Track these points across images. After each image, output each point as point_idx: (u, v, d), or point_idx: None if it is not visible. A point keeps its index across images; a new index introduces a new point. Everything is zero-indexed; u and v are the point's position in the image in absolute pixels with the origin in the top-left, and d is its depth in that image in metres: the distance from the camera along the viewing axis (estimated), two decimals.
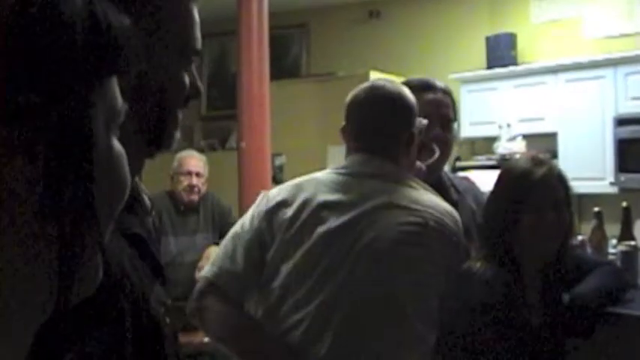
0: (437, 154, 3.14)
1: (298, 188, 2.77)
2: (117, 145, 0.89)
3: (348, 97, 2.88)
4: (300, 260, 2.63)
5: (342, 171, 2.80)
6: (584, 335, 2.91)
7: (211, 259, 2.85)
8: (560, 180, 2.86)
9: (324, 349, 2.52)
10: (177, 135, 1.44)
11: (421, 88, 3.23)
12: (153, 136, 1.39)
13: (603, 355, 3.09)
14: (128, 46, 0.84)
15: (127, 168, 0.91)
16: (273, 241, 2.71)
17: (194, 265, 5.70)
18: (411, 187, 2.74)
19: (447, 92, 3.31)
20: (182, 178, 5.86)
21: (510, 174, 2.93)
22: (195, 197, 5.88)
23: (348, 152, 2.87)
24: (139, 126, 1.18)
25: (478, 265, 2.83)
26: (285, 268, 2.65)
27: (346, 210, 2.65)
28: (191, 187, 5.85)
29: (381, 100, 2.82)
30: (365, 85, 2.89)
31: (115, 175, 0.89)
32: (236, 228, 2.84)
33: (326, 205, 2.67)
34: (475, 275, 2.79)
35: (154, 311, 1.35)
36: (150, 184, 6.48)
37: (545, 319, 2.83)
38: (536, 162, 2.87)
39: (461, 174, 4.48)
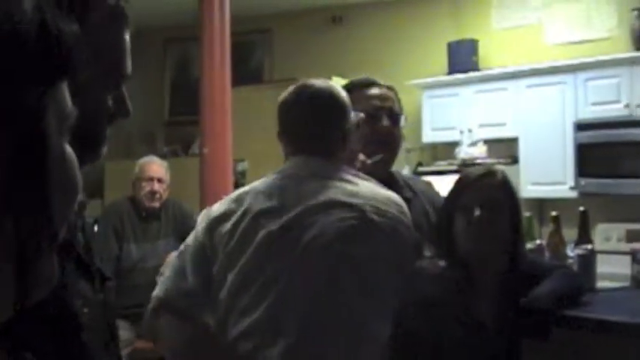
0: (379, 156, 3.17)
1: (237, 200, 2.77)
2: (68, 148, 0.91)
3: (279, 101, 2.90)
4: (243, 269, 2.63)
5: (279, 175, 2.80)
6: (540, 337, 2.94)
7: (161, 279, 2.86)
8: (502, 184, 2.91)
9: (277, 354, 2.51)
10: (104, 150, 1.48)
11: (365, 84, 3.30)
12: (84, 149, 1.42)
13: (559, 358, 3.13)
14: (77, 51, 0.86)
15: (78, 170, 0.93)
16: (215, 255, 2.71)
17: (156, 271, 5.67)
18: (349, 182, 2.74)
19: (390, 88, 3.35)
20: (144, 184, 5.86)
21: (457, 180, 3.02)
22: (156, 203, 5.88)
23: (286, 156, 2.88)
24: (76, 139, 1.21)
25: (428, 262, 2.88)
26: (230, 279, 2.65)
27: (284, 214, 2.65)
28: (152, 193, 5.85)
29: (311, 100, 2.82)
30: (294, 86, 2.89)
31: (68, 176, 0.91)
32: (182, 246, 2.88)
33: (264, 212, 2.67)
34: (425, 271, 2.83)
35: (73, 306, 1.37)
36: (112, 191, 6.45)
37: (500, 321, 2.86)
38: (480, 169, 3.04)
39: (423, 178, 4.52)
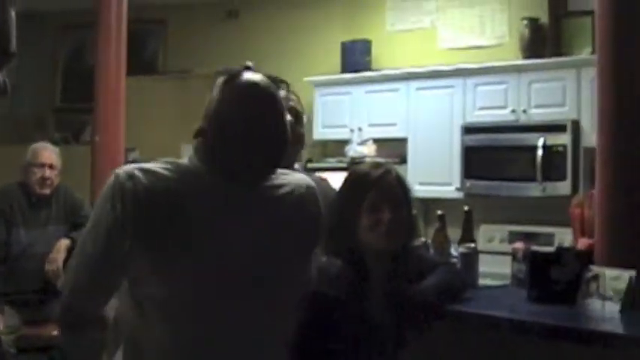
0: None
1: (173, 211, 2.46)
2: None
3: (215, 98, 2.55)
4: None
5: (199, 173, 2.53)
6: (422, 329, 3.04)
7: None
8: (399, 182, 3.00)
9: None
10: None
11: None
12: None
13: (441, 349, 3.24)
14: None
15: None
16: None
17: (44, 258, 5.67)
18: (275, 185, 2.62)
19: (289, 89, 3.32)
20: (35, 169, 5.80)
21: (351, 176, 3.08)
22: (47, 190, 5.82)
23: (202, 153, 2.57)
24: None
25: (324, 260, 2.93)
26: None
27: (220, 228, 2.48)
28: (44, 179, 5.79)
29: (256, 114, 2.56)
30: (238, 85, 2.57)
31: None
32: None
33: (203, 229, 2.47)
34: (322, 271, 2.88)
35: None
36: (3, 176, 6.35)
37: (387, 314, 2.96)
38: (375, 166, 3.05)
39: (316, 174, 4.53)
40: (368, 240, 2.93)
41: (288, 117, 2.69)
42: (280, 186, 2.60)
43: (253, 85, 2.57)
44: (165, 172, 2.45)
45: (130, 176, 2.40)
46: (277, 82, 2.96)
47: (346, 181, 3.08)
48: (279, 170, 2.64)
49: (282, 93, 3.16)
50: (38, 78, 10.21)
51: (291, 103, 3.35)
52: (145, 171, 2.43)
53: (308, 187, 2.68)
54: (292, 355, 2.64)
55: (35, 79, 10.16)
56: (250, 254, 2.48)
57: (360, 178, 3.02)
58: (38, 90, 10.22)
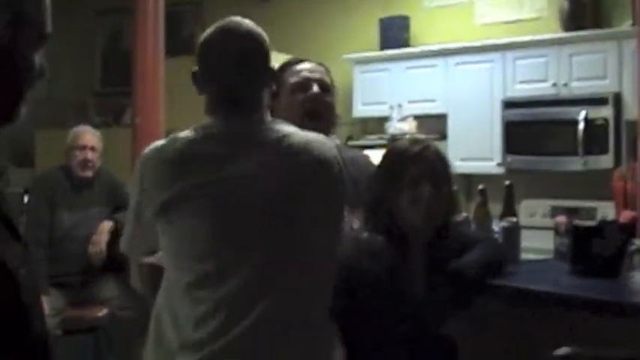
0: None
1: (178, 171, 2.68)
2: None
3: (201, 39, 2.82)
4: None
5: (215, 133, 2.72)
6: (465, 305, 3.04)
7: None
8: (438, 157, 3.00)
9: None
10: (24, 110, 1.51)
11: (296, 62, 3.47)
12: (5, 111, 1.45)
13: (483, 324, 3.22)
14: None
15: None
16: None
17: (87, 240, 5.71)
18: (279, 134, 2.71)
19: (321, 64, 3.49)
20: (77, 152, 5.84)
21: (390, 152, 3.09)
22: (89, 172, 5.87)
23: (210, 104, 2.78)
24: None
25: (365, 235, 2.94)
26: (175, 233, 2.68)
27: (227, 179, 2.62)
28: (85, 162, 5.83)
29: (236, 47, 2.78)
30: (217, 27, 2.83)
31: None
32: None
33: (209, 182, 2.63)
34: (362, 245, 2.89)
35: (9, 264, 1.40)
36: (43, 160, 6.43)
37: (428, 290, 2.96)
38: (414, 141, 3.05)
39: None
40: (408, 216, 2.93)
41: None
42: (288, 135, 2.69)
43: (227, 23, 2.85)
44: (181, 135, 2.71)
45: (152, 146, 2.79)
46: (300, 59, 3.24)
47: (385, 157, 3.09)
48: (294, 129, 2.75)
49: (308, 65, 3.28)
50: (78, 63, 10.27)
51: (317, 75, 3.41)
52: (167, 139, 2.75)
53: (321, 142, 2.74)
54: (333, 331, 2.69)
55: (75, 63, 10.22)
56: (253, 203, 2.58)
57: (399, 154, 3.02)
58: (78, 74, 10.27)
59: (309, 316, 2.63)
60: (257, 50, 2.81)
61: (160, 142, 2.79)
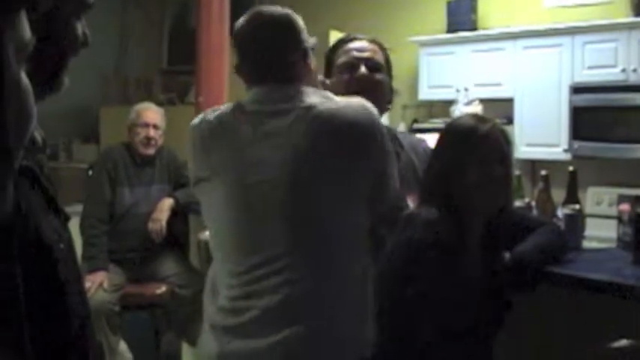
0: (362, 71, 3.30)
1: (217, 146, 2.79)
2: (24, 77, 0.93)
3: (235, 31, 2.92)
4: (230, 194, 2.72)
5: (245, 108, 2.82)
6: (524, 291, 2.98)
7: None
8: (504, 136, 2.95)
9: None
10: (67, 80, 1.49)
11: (347, 40, 3.45)
12: (47, 79, 1.43)
13: (542, 312, 3.17)
14: None
15: (32, 100, 0.95)
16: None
17: (148, 217, 5.74)
18: (315, 102, 2.74)
19: (374, 41, 3.45)
20: (139, 129, 5.87)
21: (456, 129, 3.01)
22: (151, 150, 5.89)
23: (248, 87, 2.90)
24: (36, 69, 1.22)
25: (421, 209, 2.89)
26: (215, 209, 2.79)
27: (259, 157, 2.68)
28: (148, 139, 5.85)
29: (265, 26, 2.86)
30: (246, 15, 2.91)
31: (23, 104, 0.93)
32: None
33: (236, 147, 2.73)
34: (418, 217, 2.85)
35: (45, 237, 1.38)
36: (108, 136, 6.51)
37: (485, 272, 2.91)
38: (480, 119, 2.99)
39: (418, 136, 4.49)
40: (474, 196, 2.87)
41: (312, 40, 2.94)
42: (318, 104, 2.72)
43: (260, 11, 2.91)
44: (218, 110, 2.88)
45: (195, 119, 2.93)
46: (352, 36, 3.44)
47: (449, 134, 3.02)
48: (329, 97, 2.79)
49: (358, 44, 3.26)
50: (145, 40, 10.34)
51: (366, 54, 3.37)
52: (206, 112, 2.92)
53: (354, 109, 2.74)
54: (387, 301, 2.72)
55: (142, 41, 10.29)
56: (280, 178, 2.63)
57: (467, 132, 2.93)
58: (145, 52, 10.34)
59: (334, 285, 2.63)
60: (285, 32, 2.86)
61: (200, 116, 2.92)
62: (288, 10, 2.92)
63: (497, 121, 2.97)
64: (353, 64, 3.32)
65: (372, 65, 3.34)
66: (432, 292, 2.75)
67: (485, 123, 2.93)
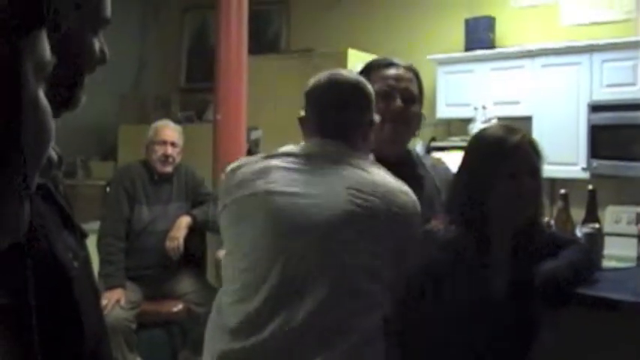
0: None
1: (248, 181, 2.83)
2: (43, 96, 0.93)
3: (308, 86, 2.96)
4: (254, 240, 2.75)
5: (296, 152, 2.87)
6: (554, 308, 2.90)
7: None
8: (533, 147, 2.88)
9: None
10: (84, 98, 1.48)
11: (384, 65, 3.41)
12: (64, 96, 1.43)
13: (559, 332, 3.13)
14: (57, 1, 0.87)
15: (51, 121, 0.94)
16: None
17: (165, 234, 5.75)
18: (363, 169, 2.79)
19: (410, 69, 3.42)
20: (157, 147, 5.88)
21: (484, 141, 2.95)
22: (169, 167, 5.90)
23: (307, 138, 2.95)
24: (51, 85, 1.22)
25: (441, 227, 2.86)
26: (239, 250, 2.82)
27: (295, 194, 2.72)
28: (166, 157, 5.87)
29: (341, 88, 2.90)
30: (324, 74, 2.96)
31: (41, 124, 0.92)
32: None
33: (274, 192, 2.74)
34: (436, 235, 2.82)
35: (60, 255, 1.37)
36: (126, 154, 6.54)
37: (513, 289, 2.82)
38: (509, 130, 2.90)
39: (435, 154, 4.47)
40: (502, 209, 2.81)
41: (377, 117, 3.00)
42: (372, 172, 2.79)
43: (339, 73, 2.98)
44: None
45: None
46: (389, 61, 3.23)
47: (479, 144, 2.96)
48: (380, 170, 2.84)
49: (395, 71, 3.26)
50: (164, 58, 10.38)
51: (403, 84, 3.34)
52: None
53: (403, 193, 2.79)
54: (408, 320, 2.69)
55: (161, 59, 10.33)
56: (305, 224, 2.67)
57: (497, 143, 2.85)
58: (164, 70, 10.39)
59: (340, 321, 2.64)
60: (361, 97, 2.92)
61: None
62: (362, 78, 2.99)
63: None
64: (389, 94, 3.29)
65: (408, 97, 3.32)
66: (452, 312, 2.72)
67: (515, 134, 2.84)
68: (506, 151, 2.81)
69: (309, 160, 2.81)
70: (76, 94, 1.45)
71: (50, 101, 1.05)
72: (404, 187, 2.81)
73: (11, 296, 1.22)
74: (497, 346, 2.78)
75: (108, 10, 1.49)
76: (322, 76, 2.94)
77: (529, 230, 2.89)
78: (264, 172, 2.79)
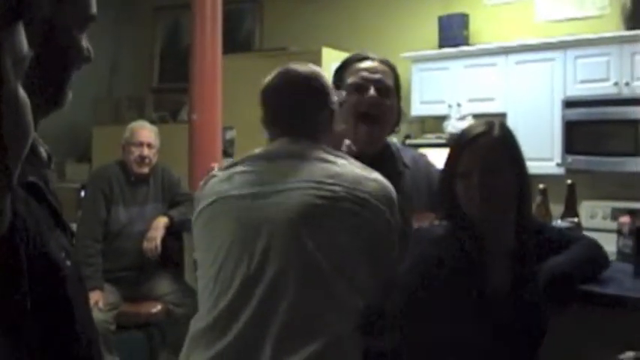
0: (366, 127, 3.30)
1: (215, 189, 2.83)
2: (22, 91, 0.92)
3: (262, 85, 2.94)
4: (222, 242, 2.71)
5: (259, 154, 2.85)
6: (558, 307, 2.82)
7: None
8: (503, 141, 2.81)
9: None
10: (70, 95, 1.47)
11: (357, 59, 3.42)
12: (51, 94, 1.42)
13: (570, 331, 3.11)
14: None
15: (30, 114, 0.94)
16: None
17: (142, 235, 5.72)
18: (329, 162, 2.75)
19: (385, 63, 3.42)
20: (133, 148, 5.85)
21: (462, 136, 2.85)
22: (145, 168, 5.87)
23: (270, 139, 2.93)
24: (40, 83, 1.21)
25: (429, 225, 2.85)
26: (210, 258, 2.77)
27: (255, 195, 2.71)
28: (142, 158, 5.84)
29: (294, 83, 2.88)
30: (276, 71, 2.94)
31: (20, 118, 0.92)
32: None
33: (234, 196, 2.74)
34: (423, 234, 2.80)
35: (53, 254, 1.37)
36: (100, 156, 6.50)
37: (514, 287, 2.75)
38: (478, 124, 2.84)
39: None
40: (466, 207, 2.75)
41: (343, 93, 3.07)
42: (337, 164, 2.76)
43: (290, 69, 2.93)
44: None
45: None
46: (364, 55, 3.44)
47: (456, 141, 2.87)
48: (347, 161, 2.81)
49: (369, 64, 3.26)
50: (136, 59, 10.35)
51: (376, 76, 3.36)
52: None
53: (372, 181, 2.75)
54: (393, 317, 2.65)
55: (133, 60, 10.30)
56: (272, 223, 2.63)
57: (457, 139, 2.83)
58: (136, 71, 10.36)
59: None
60: (314, 92, 2.89)
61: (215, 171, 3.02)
62: (316, 69, 2.94)
63: None
64: (362, 86, 3.31)
65: (382, 88, 3.33)
66: (444, 313, 2.66)
67: (477, 127, 2.80)
68: (460, 146, 2.78)
69: (272, 160, 2.79)
70: (64, 90, 1.44)
71: (39, 98, 1.04)
72: (373, 175, 2.78)
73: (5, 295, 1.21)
74: (500, 346, 2.71)
75: (94, 7, 1.48)
76: (275, 74, 2.93)
77: (518, 224, 2.79)
78: (229, 178, 2.79)
